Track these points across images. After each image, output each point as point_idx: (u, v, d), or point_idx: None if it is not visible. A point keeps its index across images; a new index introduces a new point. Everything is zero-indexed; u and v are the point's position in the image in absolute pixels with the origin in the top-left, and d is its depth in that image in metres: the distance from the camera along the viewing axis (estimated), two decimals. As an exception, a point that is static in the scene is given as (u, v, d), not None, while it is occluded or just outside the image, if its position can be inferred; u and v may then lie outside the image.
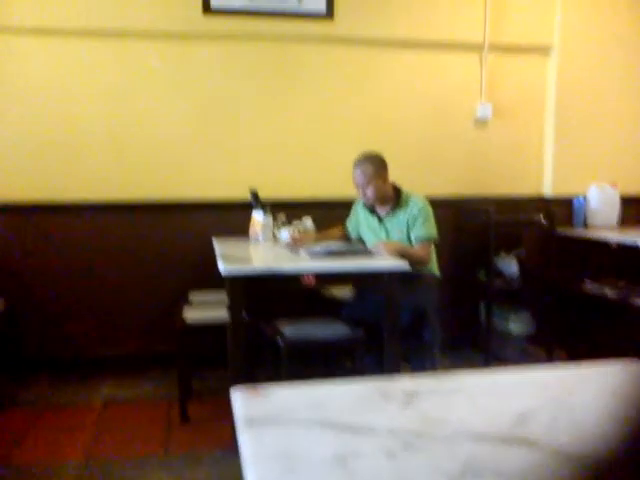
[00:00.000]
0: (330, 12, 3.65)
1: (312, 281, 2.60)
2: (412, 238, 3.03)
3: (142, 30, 3.50)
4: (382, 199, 3.07)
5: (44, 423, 2.97)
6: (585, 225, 3.98)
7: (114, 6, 3.44)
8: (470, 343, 3.90)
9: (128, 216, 3.58)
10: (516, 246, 3.91)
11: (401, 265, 2.65)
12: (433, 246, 3.09)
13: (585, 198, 3.99)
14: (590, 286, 3.61)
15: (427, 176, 3.84)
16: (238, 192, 3.50)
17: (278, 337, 2.66)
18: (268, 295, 3.22)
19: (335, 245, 2.89)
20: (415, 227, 3.02)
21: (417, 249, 3.01)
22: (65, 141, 3.51)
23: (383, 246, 2.87)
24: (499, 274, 3.79)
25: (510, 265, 3.82)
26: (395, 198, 3.10)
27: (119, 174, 3.57)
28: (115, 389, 3.37)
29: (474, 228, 3.82)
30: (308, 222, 3.40)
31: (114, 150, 3.56)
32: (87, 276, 3.56)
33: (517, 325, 3.78)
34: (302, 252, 2.85)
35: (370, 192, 3.02)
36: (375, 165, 3.03)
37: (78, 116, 3.51)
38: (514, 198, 3.97)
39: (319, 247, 2.84)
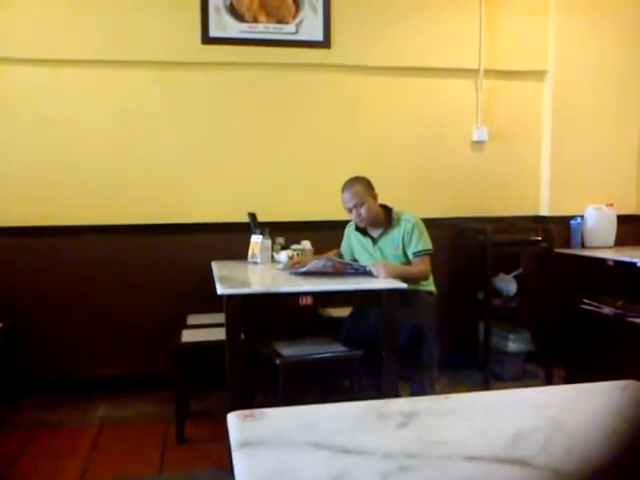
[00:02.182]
0: (327, 41, 3.70)
1: (310, 301, 2.60)
2: (409, 254, 3.04)
3: (143, 60, 3.56)
4: (374, 219, 3.09)
5: (40, 444, 2.94)
6: (582, 245, 4.00)
7: (116, 38, 3.50)
8: (469, 362, 3.89)
9: (127, 239, 3.59)
10: (514, 266, 3.92)
11: (398, 284, 2.65)
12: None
13: (582, 218, 4.00)
14: (588, 305, 3.60)
15: (424, 198, 3.87)
16: (237, 215, 3.52)
17: (276, 357, 2.65)
18: (266, 316, 3.21)
19: (332, 260, 2.90)
20: (411, 242, 3.03)
21: (416, 265, 3.02)
22: (65, 166, 3.53)
23: (383, 268, 2.85)
24: (497, 293, 3.79)
25: (508, 284, 3.82)
26: (386, 218, 3.11)
27: (119, 198, 3.59)
28: (112, 410, 3.35)
29: (472, 248, 3.83)
30: (306, 244, 3.42)
31: (114, 175, 3.58)
32: (85, 298, 3.56)
33: (516, 344, 3.77)
34: (300, 270, 2.86)
35: (364, 211, 3.03)
36: (364, 185, 3.06)
37: (79, 143, 3.55)
38: (511, 218, 3.99)
39: (317, 261, 2.86)
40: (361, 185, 3.05)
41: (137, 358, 3.60)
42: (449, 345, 3.67)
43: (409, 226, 3.04)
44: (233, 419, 1.00)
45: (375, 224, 3.12)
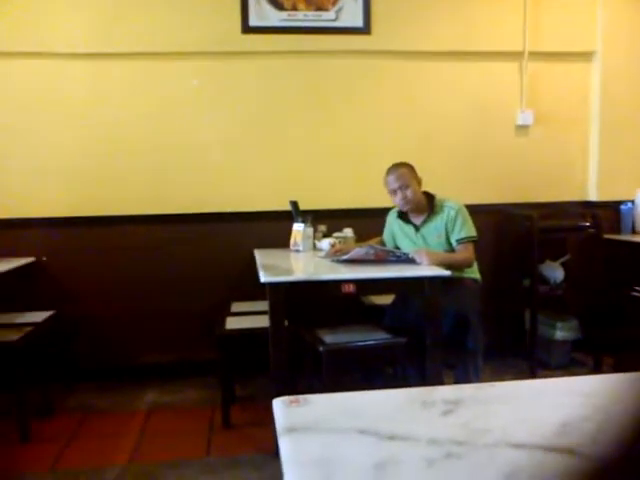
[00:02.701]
0: (367, 27, 3.67)
1: (352, 289, 2.60)
2: (452, 241, 3.01)
3: (184, 51, 3.60)
4: (418, 204, 3.06)
5: (91, 428, 3.05)
6: (633, 230, 3.88)
7: (157, 30, 3.56)
8: (515, 350, 3.83)
9: (172, 228, 3.65)
10: (561, 252, 3.83)
11: (441, 271, 2.63)
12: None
13: (633, 203, 3.88)
14: (638, 292, 3.50)
15: (469, 184, 3.81)
16: (279, 203, 3.54)
17: (319, 344, 2.67)
18: (309, 303, 3.23)
19: (374, 248, 2.89)
20: (455, 229, 3.00)
21: (459, 252, 2.99)
22: (110, 158, 3.62)
23: (426, 255, 2.83)
24: (544, 280, 3.71)
25: (555, 271, 3.75)
26: (429, 205, 3.09)
27: (163, 188, 3.66)
28: (160, 395, 3.43)
29: (517, 235, 3.76)
30: (348, 232, 3.42)
31: (158, 165, 3.65)
32: (132, 286, 3.65)
33: (563, 332, 3.70)
34: (342, 258, 2.87)
35: (410, 193, 3.01)
36: (409, 169, 3.05)
37: (123, 135, 3.62)
38: (558, 204, 3.90)
39: (360, 249, 2.85)
40: (406, 168, 3.04)
41: (183, 345, 3.68)
42: (494, 333, 3.62)
43: (452, 213, 3.01)
44: (278, 405, 1.01)
45: (418, 210, 3.09)
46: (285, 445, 0.86)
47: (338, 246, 3.15)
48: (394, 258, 2.87)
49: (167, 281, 3.66)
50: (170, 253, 3.66)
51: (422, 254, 2.83)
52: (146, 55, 3.58)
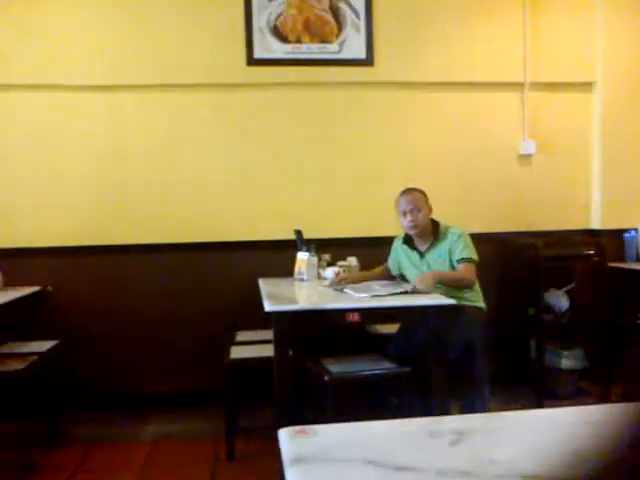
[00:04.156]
0: (370, 58, 3.73)
1: (357, 318, 2.60)
2: (454, 261, 3.02)
3: (190, 83, 3.67)
4: (425, 229, 3.09)
5: (95, 459, 3.02)
6: (637, 258, 3.87)
7: (163, 62, 3.63)
8: (521, 380, 3.80)
9: (176, 257, 3.67)
10: (565, 280, 3.83)
11: (446, 300, 2.63)
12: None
13: (637, 230, 3.89)
14: (645, 321, 3.49)
15: (471, 213, 3.83)
16: (283, 233, 3.56)
17: (324, 374, 2.66)
18: (313, 332, 3.22)
19: (378, 286, 2.91)
20: (456, 251, 3.02)
21: (460, 270, 3.00)
22: (117, 187, 3.66)
23: (419, 280, 2.85)
24: (549, 309, 3.70)
25: (560, 300, 3.73)
26: (434, 231, 3.12)
27: (167, 217, 3.69)
28: (164, 425, 3.41)
29: (521, 263, 3.76)
30: (353, 261, 3.43)
31: (163, 194, 3.69)
32: (136, 315, 3.65)
33: (570, 361, 3.67)
34: (347, 291, 2.87)
35: (421, 216, 3.05)
36: (422, 194, 3.11)
37: (130, 164, 3.67)
38: (562, 232, 3.90)
39: (363, 289, 2.86)
40: (420, 193, 3.10)
41: (187, 374, 3.66)
42: (500, 362, 3.60)
43: (455, 237, 3.05)
44: (284, 435, 1.01)
45: (423, 236, 3.12)
46: (291, 476, 0.86)
47: (342, 275, 3.16)
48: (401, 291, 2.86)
49: (171, 310, 3.66)
50: (174, 282, 3.67)
51: (419, 280, 2.85)
52: (155, 87, 3.64)
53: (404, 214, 3.07)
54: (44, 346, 3.22)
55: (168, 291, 3.66)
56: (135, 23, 3.61)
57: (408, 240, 3.18)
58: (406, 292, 2.83)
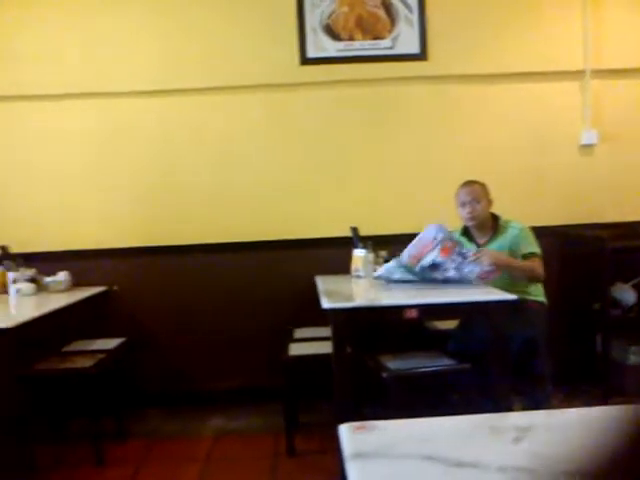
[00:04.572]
0: (424, 52, 3.69)
1: (415, 314, 2.58)
2: (519, 257, 2.97)
3: (243, 85, 3.71)
4: (483, 221, 3.06)
5: (160, 453, 3.12)
6: None
7: (217, 64, 3.69)
8: (585, 376, 3.69)
9: (236, 256, 3.74)
10: (632, 274, 3.68)
11: (507, 296, 2.58)
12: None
13: None
14: None
15: (532, 206, 3.73)
16: (339, 230, 3.57)
17: (382, 370, 2.65)
18: (371, 329, 3.22)
19: (444, 233, 2.86)
20: (521, 246, 2.98)
21: (528, 262, 2.94)
22: (176, 188, 3.75)
23: (488, 255, 2.80)
24: (615, 303, 3.58)
25: (627, 294, 3.60)
26: (493, 225, 3.08)
27: (226, 217, 3.75)
28: (225, 421, 3.48)
29: (585, 257, 3.64)
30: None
31: (221, 195, 3.76)
32: (198, 313, 3.74)
33: (637, 357, 3.54)
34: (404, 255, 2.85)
35: (480, 208, 3.03)
36: (483, 187, 3.09)
37: (189, 166, 3.75)
38: (628, 224, 3.76)
39: (431, 228, 2.85)
40: (480, 185, 3.08)
41: (247, 371, 3.72)
42: (563, 358, 3.51)
43: (516, 232, 3.01)
44: (345, 431, 1.02)
45: (482, 229, 3.08)
46: (353, 471, 0.87)
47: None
48: (458, 258, 2.81)
49: (231, 308, 3.73)
50: (234, 280, 3.73)
51: (485, 253, 2.81)
52: (209, 90, 3.71)
53: (463, 205, 3.04)
54: (111, 344, 3.34)
55: (228, 290, 3.73)
56: (186, 28, 3.68)
57: (466, 232, 3.15)
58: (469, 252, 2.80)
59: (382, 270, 2.99)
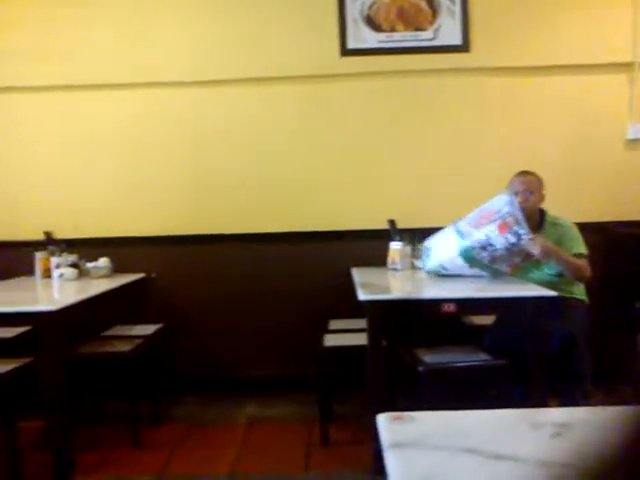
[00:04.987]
0: (466, 44, 3.65)
1: (452, 309, 2.56)
2: None
3: (283, 76, 3.73)
4: (531, 214, 2.99)
5: (195, 438, 3.17)
6: None
7: (256, 55, 3.71)
8: (626, 377, 3.61)
9: (273, 247, 3.77)
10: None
11: (546, 292, 2.54)
12: None
13: None
14: None
15: (575, 201, 3.65)
16: (377, 222, 3.56)
17: (418, 364, 2.65)
18: (407, 321, 3.21)
19: (513, 207, 2.79)
20: (569, 245, 2.93)
21: (577, 260, 2.90)
22: (214, 179, 3.80)
23: (538, 242, 2.74)
24: (658, 303, 3.49)
25: (671, 293, 3.51)
26: (540, 220, 3.03)
27: (263, 208, 3.78)
28: (259, 409, 3.52)
29: (628, 254, 3.56)
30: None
31: (258, 186, 3.79)
32: (235, 303, 3.78)
33: (680, 359, 3.45)
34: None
35: (532, 199, 2.98)
36: (539, 179, 3.05)
37: (226, 157, 3.79)
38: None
39: (502, 196, 2.82)
40: (537, 178, 3.04)
41: (282, 360, 3.76)
42: (602, 357, 3.43)
43: (564, 229, 2.97)
44: (383, 421, 1.02)
45: (528, 222, 3.02)
46: (391, 460, 0.87)
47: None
48: (514, 237, 2.72)
49: (267, 298, 3.77)
50: (270, 270, 3.76)
51: (536, 240, 2.74)
52: (248, 81, 3.73)
53: (515, 194, 2.98)
54: (149, 329, 3.41)
55: (264, 280, 3.76)
56: (224, 18, 3.71)
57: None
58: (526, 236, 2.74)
59: (446, 263, 2.94)
